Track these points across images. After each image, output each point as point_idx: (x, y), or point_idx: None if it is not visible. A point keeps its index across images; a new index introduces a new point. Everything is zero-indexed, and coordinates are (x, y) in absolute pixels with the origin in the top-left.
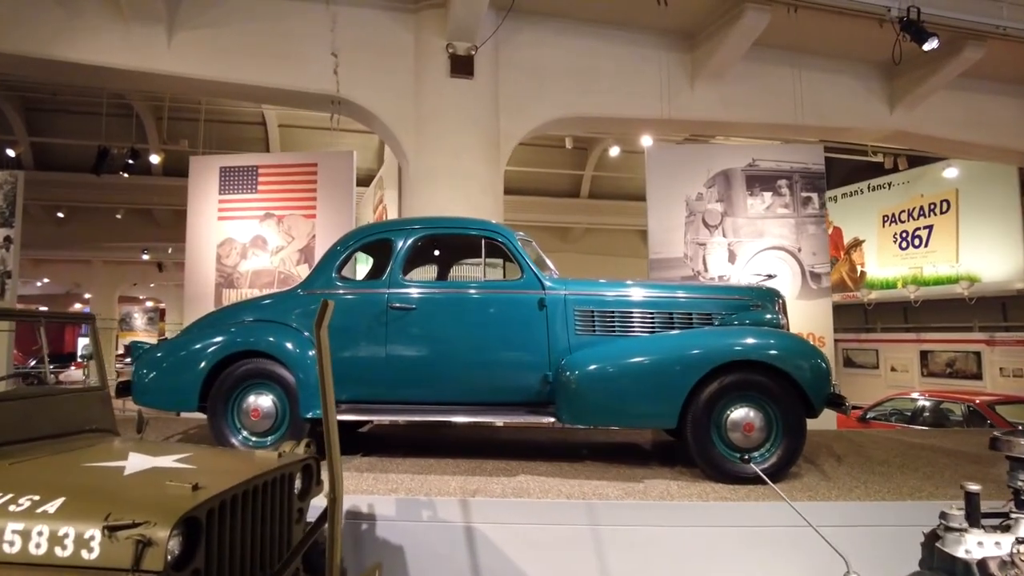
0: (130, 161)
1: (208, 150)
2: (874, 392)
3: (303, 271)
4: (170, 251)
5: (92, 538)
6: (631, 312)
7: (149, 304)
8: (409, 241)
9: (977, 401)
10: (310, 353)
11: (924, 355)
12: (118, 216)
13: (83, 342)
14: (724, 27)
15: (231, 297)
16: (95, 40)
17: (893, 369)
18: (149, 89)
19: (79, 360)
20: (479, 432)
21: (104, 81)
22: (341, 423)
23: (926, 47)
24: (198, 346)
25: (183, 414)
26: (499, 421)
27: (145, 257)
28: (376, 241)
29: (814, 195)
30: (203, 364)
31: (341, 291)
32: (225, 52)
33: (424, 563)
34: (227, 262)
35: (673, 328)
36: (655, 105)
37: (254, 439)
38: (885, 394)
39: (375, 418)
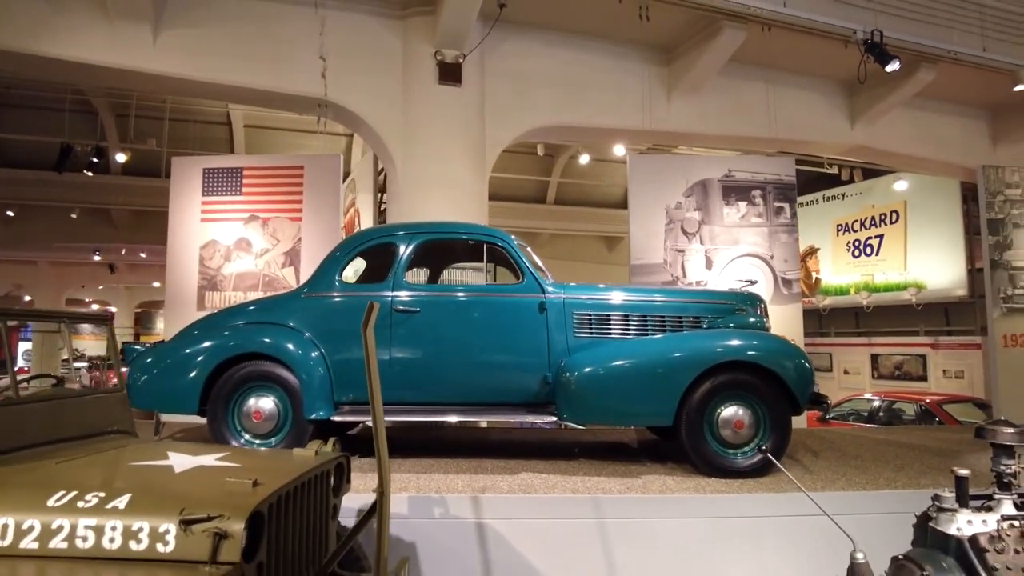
0: (94, 160)
1: (170, 149)
2: (828, 394)
3: (288, 274)
4: (124, 252)
5: (167, 532)
6: (626, 316)
7: (95, 307)
8: (412, 245)
9: (928, 400)
10: (312, 355)
11: (875, 358)
12: (73, 216)
13: (24, 347)
14: (702, 43)
15: (214, 299)
16: (79, 36)
17: (846, 372)
18: (133, 88)
19: (22, 367)
20: (470, 434)
21: (87, 78)
22: (337, 424)
23: (888, 68)
24: (199, 348)
25: (163, 417)
26: (501, 421)
27: (97, 258)
28: (377, 245)
29: (786, 205)
30: (206, 366)
31: (346, 294)
32: (211, 52)
33: (439, 559)
34: (210, 264)
35: (664, 331)
36: (635, 116)
37: (257, 442)
38: (839, 396)
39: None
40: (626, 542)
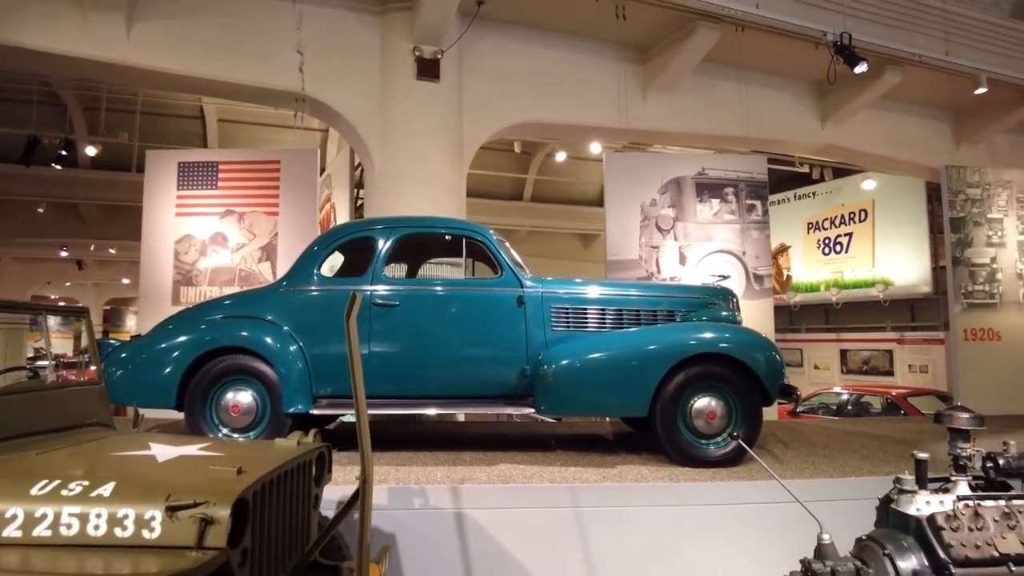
0: (63, 153)
1: (142, 143)
2: (798, 387)
3: (265, 269)
4: (92, 248)
5: (153, 518)
6: (603, 309)
7: (62, 304)
8: (391, 240)
9: (893, 393)
10: (291, 348)
11: (843, 353)
12: (40, 210)
13: None
14: (677, 42)
15: (189, 294)
16: (49, 25)
17: (816, 367)
18: (106, 80)
19: None
20: (448, 427)
21: (58, 69)
22: (316, 418)
23: (857, 70)
24: (176, 342)
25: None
26: (479, 413)
27: (64, 254)
28: (356, 239)
29: (758, 203)
30: (183, 360)
31: (325, 288)
32: (187, 46)
33: (419, 548)
34: (185, 259)
35: (640, 324)
36: (611, 114)
37: (235, 436)
38: (809, 390)
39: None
40: (602, 529)
